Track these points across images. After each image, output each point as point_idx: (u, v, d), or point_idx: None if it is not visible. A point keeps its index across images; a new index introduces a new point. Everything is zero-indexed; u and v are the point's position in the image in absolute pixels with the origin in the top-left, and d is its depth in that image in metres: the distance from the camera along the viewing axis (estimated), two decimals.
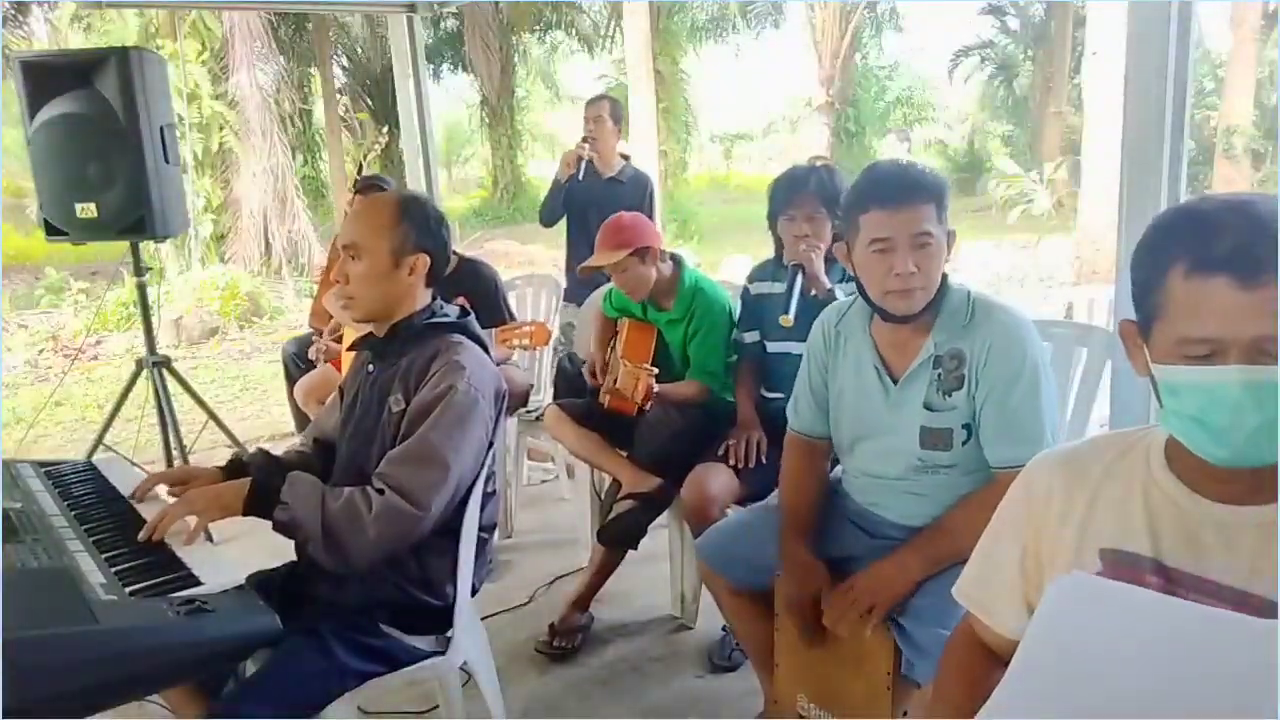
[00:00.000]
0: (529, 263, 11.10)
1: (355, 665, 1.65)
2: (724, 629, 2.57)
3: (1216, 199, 0.96)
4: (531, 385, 3.54)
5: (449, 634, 1.78)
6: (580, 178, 3.91)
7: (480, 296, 2.99)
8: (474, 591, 1.84)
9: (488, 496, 1.81)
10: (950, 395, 1.72)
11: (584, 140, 3.96)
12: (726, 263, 10.48)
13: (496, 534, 2.14)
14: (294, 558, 1.78)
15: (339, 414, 1.90)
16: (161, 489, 1.79)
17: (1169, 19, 1.87)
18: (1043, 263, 10.99)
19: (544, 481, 4.10)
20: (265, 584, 1.68)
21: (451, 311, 1.84)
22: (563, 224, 4.14)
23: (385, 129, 13.40)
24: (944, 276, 1.74)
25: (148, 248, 5.38)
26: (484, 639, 2.04)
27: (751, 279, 2.66)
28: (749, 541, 1.96)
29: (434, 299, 1.83)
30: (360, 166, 12.82)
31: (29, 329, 9.02)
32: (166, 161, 3.31)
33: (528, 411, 3.48)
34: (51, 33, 12.12)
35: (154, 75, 3.31)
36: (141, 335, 3.71)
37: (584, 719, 2.37)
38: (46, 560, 1.42)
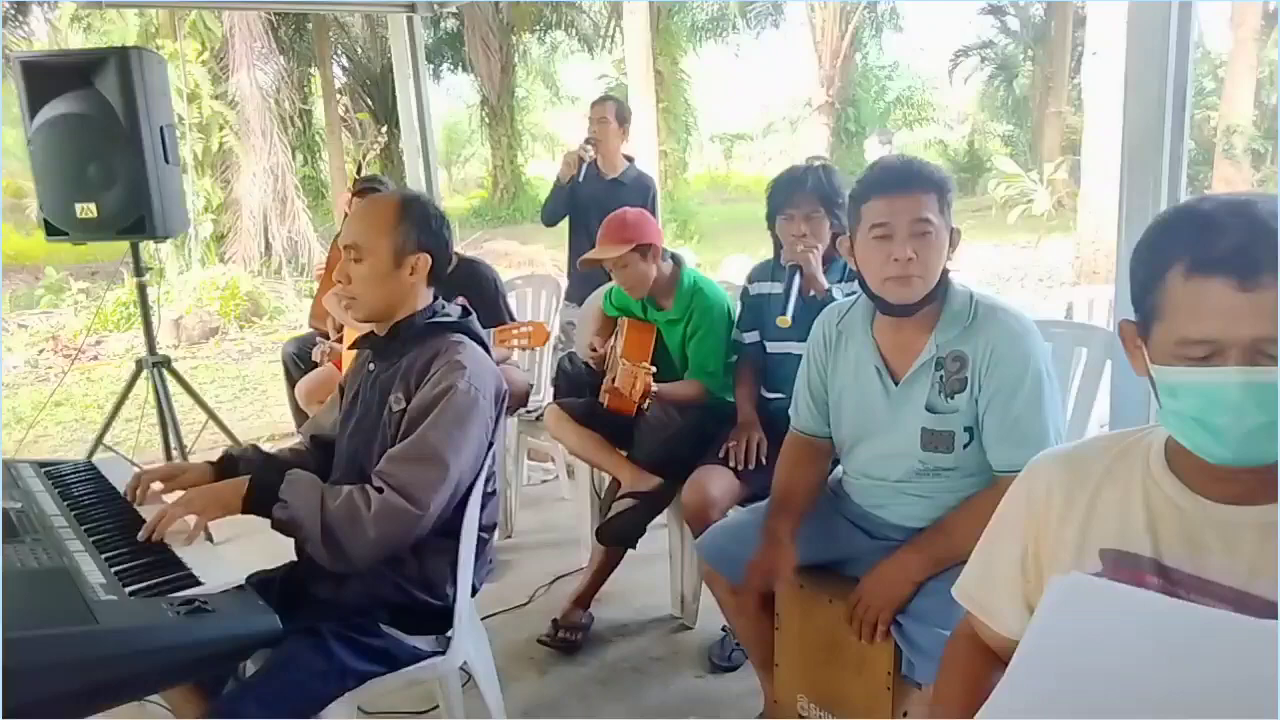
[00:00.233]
0: (529, 263, 11.11)
1: (355, 665, 1.64)
2: (724, 629, 2.58)
3: (1216, 199, 0.95)
4: (531, 385, 3.53)
5: (449, 634, 1.78)
6: (581, 179, 3.89)
7: (480, 297, 3.00)
8: (474, 591, 1.84)
9: (488, 496, 1.81)
10: (953, 398, 1.71)
11: (586, 141, 3.95)
12: (726, 263, 10.44)
13: (496, 534, 2.14)
14: (294, 558, 1.78)
15: (339, 412, 1.90)
16: (158, 487, 1.78)
17: (1169, 19, 1.86)
18: (1043, 263, 10.99)
19: (544, 481, 4.10)
20: (265, 584, 1.68)
21: (453, 311, 1.84)
22: (564, 224, 4.13)
23: (385, 129, 13.42)
24: (946, 276, 1.74)
25: (148, 248, 5.39)
26: (484, 639, 2.04)
27: (751, 279, 2.65)
28: (750, 541, 1.96)
29: (435, 298, 1.83)
30: (360, 166, 12.83)
31: (29, 329, 9.03)
32: (166, 161, 3.32)
33: (528, 411, 3.47)
34: (51, 33, 12.13)
35: (154, 75, 3.32)
36: (141, 335, 3.72)
37: (584, 719, 2.37)
38: (46, 560, 1.42)
